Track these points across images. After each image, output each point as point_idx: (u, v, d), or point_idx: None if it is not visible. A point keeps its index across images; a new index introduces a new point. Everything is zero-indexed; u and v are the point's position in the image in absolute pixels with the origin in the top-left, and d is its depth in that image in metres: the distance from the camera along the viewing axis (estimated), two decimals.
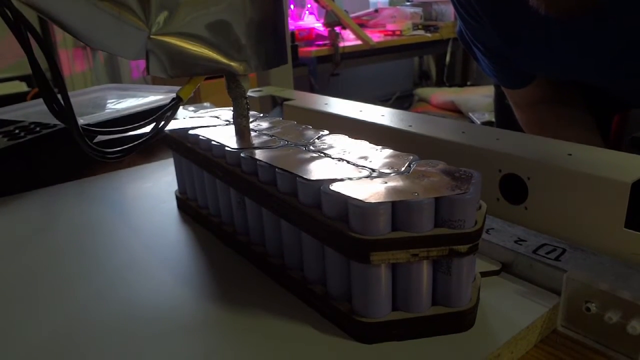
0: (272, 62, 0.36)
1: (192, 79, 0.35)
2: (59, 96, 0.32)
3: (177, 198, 0.47)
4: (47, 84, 0.32)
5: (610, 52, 0.52)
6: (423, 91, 2.48)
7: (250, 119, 0.43)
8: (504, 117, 0.76)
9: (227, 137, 0.38)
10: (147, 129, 0.36)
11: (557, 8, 0.42)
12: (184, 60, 0.33)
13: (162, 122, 0.35)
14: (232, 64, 0.34)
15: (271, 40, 0.35)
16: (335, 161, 0.31)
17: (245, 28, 0.33)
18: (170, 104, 0.35)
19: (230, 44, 0.33)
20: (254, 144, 0.36)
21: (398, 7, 2.84)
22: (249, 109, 0.38)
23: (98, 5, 0.30)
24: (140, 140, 0.35)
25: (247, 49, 0.34)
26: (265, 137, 0.37)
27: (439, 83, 2.98)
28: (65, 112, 0.32)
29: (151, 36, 0.31)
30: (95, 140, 0.37)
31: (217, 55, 0.33)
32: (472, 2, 0.57)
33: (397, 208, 0.26)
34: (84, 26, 0.31)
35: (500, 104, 0.75)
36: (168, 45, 0.32)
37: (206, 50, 0.33)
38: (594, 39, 0.52)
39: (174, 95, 0.35)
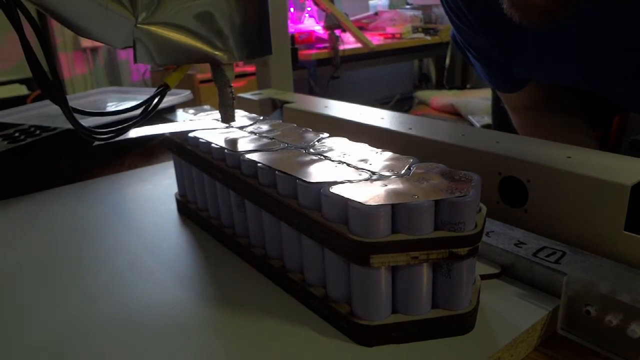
0: (256, 53, 0.37)
1: (179, 67, 0.36)
2: (55, 96, 0.32)
3: (177, 200, 0.47)
4: (37, 60, 0.32)
5: (592, 59, 0.52)
6: (423, 94, 2.48)
7: (250, 122, 0.43)
8: (500, 120, 0.76)
9: (227, 140, 0.38)
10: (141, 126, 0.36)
11: (530, 18, 0.43)
12: (170, 49, 0.34)
13: (151, 107, 0.36)
14: (216, 53, 0.35)
15: (255, 32, 0.37)
16: (335, 164, 0.31)
17: (229, 19, 0.35)
18: (158, 90, 0.36)
19: (214, 34, 0.35)
20: (238, 137, 0.37)
21: (398, 10, 2.85)
22: (234, 99, 0.39)
23: None
24: (129, 123, 0.36)
25: (230, 39, 0.35)
26: (265, 140, 0.37)
27: (439, 86, 2.98)
28: (54, 87, 0.32)
29: (137, 25, 0.32)
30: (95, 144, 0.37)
31: (202, 45, 0.34)
32: (461, 6, 0.57)
33: (397, 210, 0.26)
34: (72, 15, 0.31)
35: (497, 106, 0.75)
36: (154, 34, 0.33)
37: (191, 40, 0.34)
38: (574, 45, 0.52)
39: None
